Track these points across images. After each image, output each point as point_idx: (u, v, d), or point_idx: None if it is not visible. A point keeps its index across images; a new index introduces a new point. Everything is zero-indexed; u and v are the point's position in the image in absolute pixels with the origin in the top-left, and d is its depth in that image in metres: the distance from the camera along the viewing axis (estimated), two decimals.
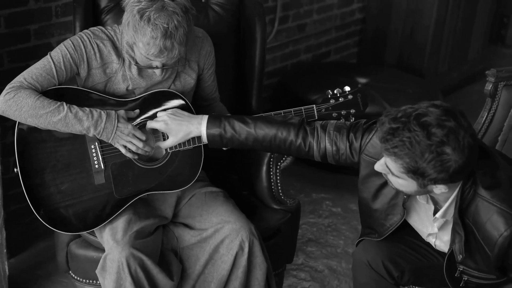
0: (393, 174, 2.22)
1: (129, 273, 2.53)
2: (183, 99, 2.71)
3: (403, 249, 2.62)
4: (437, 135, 2.07)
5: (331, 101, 2.76)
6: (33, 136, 2.57)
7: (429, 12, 5.46)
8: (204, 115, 2.59)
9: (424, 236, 2.57)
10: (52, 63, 2.56)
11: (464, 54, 6.12)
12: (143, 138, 2.60)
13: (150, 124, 2.63)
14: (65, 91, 2.59)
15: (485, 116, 3.11)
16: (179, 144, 2.65)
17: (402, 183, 2.23)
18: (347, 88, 2.79)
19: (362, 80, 4.89)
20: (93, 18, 3.05)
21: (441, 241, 2.50)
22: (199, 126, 2.57)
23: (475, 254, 2.33)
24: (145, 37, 2.44)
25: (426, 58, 5.60)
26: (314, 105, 2.78)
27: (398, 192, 2.41)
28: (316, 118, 2.75)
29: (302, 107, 2.77)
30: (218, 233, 2.70)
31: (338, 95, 2.77)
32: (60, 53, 2.58)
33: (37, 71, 2.54)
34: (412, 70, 5.61)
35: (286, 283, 3.49)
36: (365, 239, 2.65)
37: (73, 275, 2.90)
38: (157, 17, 2.43)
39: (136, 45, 2.51)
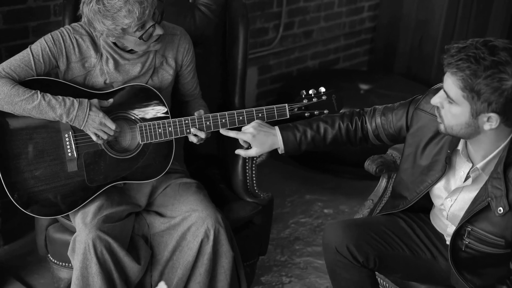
0: (448, 97, 2.28)
1: (95, 254, 2.65)
2: (158, 94, 2.83)
3: (371, 236, 2.67)
4: (503, 55, 2.16)
5: (304, 101, 2.80)
6: (10, 123, 2.72)
7: (436, 23, 5.51)
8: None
9: (442, 198, 2.61)
10: (31, 55, 2.71)
11: None
12: (113, 127, 2.71)
13: (238, 135, 2.72)
14: (44, 82, 2.72)
15: None
16: (151, 137, 2.78)
17: (455, 111, 2.28)
18: (322, 89, 2.81)
19: (365, 87, 4.95)
20: None
21: (462, 201, 2.53)
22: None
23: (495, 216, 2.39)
24: (121, 12, 2.58)
25: (433, 69, 5.65)
26: (286, 104, 2.86)
27: (441, 148, 2.51)
28: (288, 117, 2.80)
29: (274, 106, 2.85)
30: (185, 221, 2.82)
31: (312, 95, 2.80)
32: (39, 46, 2.74)
33: (15, 62, 2.70)
34: (420, 80, 5.65)
35: (266, 278, 3.59)
36: (334, 222, 2.71)
37: (51, 258, 3.03)
38: None
39: (124, 29, 2.64)
